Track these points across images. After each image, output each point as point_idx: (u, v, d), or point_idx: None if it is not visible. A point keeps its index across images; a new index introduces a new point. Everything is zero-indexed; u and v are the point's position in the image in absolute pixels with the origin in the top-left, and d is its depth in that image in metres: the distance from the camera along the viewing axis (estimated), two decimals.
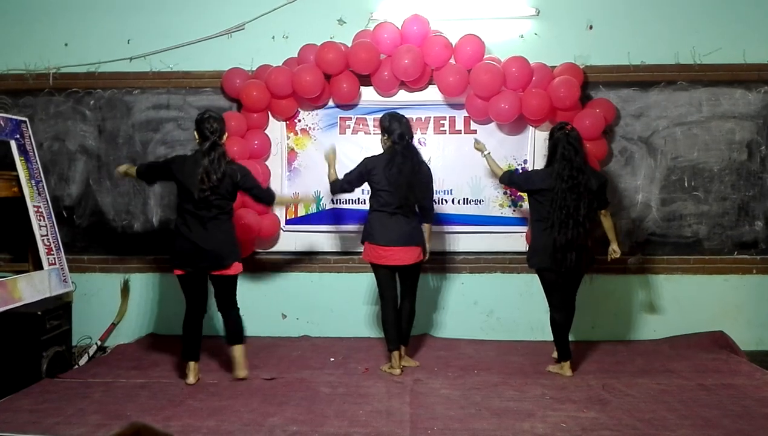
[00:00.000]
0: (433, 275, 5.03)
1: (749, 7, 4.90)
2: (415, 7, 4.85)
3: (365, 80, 4.84)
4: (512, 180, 4.26)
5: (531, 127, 4.89)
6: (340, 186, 4.22)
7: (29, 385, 3.92)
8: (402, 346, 4.24)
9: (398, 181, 4.02)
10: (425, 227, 4.25)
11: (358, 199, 4.97)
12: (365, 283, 5.01)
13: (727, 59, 4.88)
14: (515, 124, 4.85)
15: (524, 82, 4.68)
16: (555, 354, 4.28)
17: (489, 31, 4.88)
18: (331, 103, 4.98)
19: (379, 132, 4.23)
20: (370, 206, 4.19)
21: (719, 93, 4.93)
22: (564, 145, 3.96)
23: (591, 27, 4.95)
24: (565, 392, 3.79)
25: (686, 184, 4.96)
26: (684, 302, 4.97)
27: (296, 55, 4.86)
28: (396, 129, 4.08)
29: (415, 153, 4.14)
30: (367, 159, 4.17)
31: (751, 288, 4.95)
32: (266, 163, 4.98)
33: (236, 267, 3.97)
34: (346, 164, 4.89)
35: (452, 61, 4.74)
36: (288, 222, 5.05)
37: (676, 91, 4.94)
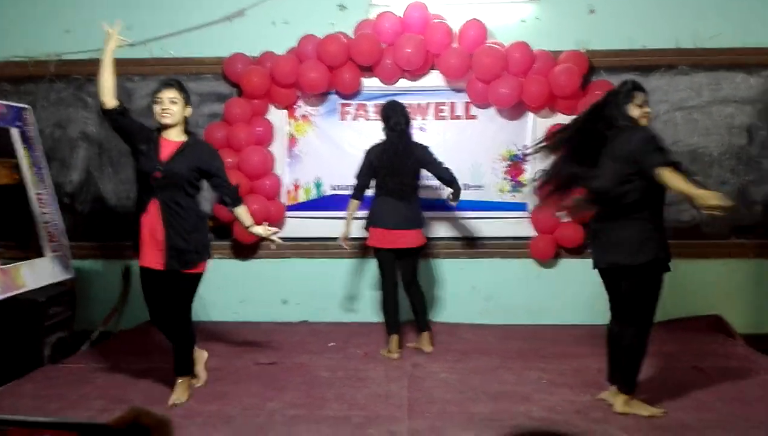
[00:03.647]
0: (433, 259, 5.06)
1: None
2: None
3: (367, 69, 4.85)
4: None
5: (530, 113, 4.89)
6: (360, 188, 4.25)
7: (32, 371, 3.98)
8: (424, 332, 4.32)
9: (393, 166, 4.09)
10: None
11: None
12: (365, 268, 5.05)
13: (728, 43, 4.85)
14: (515, 110, 4.85)
15: (526, 67, 4.68)
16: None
17: (490, 15, 4.87)
18: (333, 90, 4.99)
19: (379, 119, 4.28)
20: (375, 192, 4.23)
21: (720, 77, 4.91)
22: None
23: (592, 11, 4.92)
24: (563, 377, 3.82)
25: (686, 169, 4.94)
26: (682, 286, 4.98)
27: (295, 44, 4.86)
28: (391, 118, 4.16)
29: (407, 139, 4.19)
30: (367, 150, 4.23)
31: (749, 272, 4.96)
32: (270, 149, 5.00)
33: None
34: (348, 151, 4.93)
35: (455, 45, 4.73)
36: (288, 208, 5.07)
37: (677, 76, 4.92)
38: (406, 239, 4.15)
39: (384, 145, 4.16)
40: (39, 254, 4.37)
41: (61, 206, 4.76)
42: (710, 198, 2.83)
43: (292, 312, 5.14)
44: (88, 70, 5.08)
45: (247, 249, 5.10)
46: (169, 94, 3.30)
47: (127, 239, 4.97)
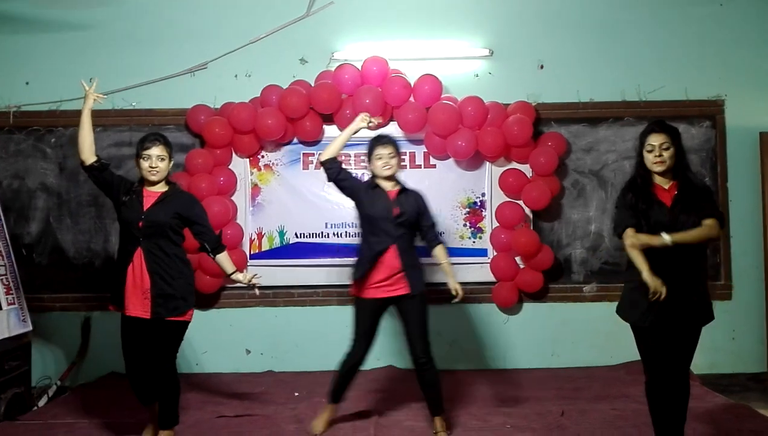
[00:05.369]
0: None
1: (690, 47, 5.19)
2: (375, 47, 5.02)
3: (328, 118, 4.97)
4: None
5: (487, 162, 5.07)
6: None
7: None
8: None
9: None
10: None
11: (322, 232, 5.06)
12: (329, 317, 5.06)
13: (671, 96, 5.15)
14: (472, 160, 5.02)
15: (480, 120, 4.87)
16: None
17: (445, 70, 5.08)
18: (294, 139, 5.09)
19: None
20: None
21: None
22: None
23: (542, 66, 5.18)
24: (526, 421, 3.88)
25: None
26: None
27: (259, 95, 4.96)
28: None
29: None
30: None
31: None
32: (232, 198, 5.04)
33: None
34: (311, 200, 5.03)
35: (411, 99, 4.90)
36: (252, 257, 5.09)
37: (623, 127, 5.18)
38: None
39: None
40: None
41: (18, 258, 4.68)
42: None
43: (255, 362, 5.10)
44: (48, 121, 5.11)
45: (208, 299, 5.07)
46: (157, 151, 3.31)
47: (86, 291, 5.02)
